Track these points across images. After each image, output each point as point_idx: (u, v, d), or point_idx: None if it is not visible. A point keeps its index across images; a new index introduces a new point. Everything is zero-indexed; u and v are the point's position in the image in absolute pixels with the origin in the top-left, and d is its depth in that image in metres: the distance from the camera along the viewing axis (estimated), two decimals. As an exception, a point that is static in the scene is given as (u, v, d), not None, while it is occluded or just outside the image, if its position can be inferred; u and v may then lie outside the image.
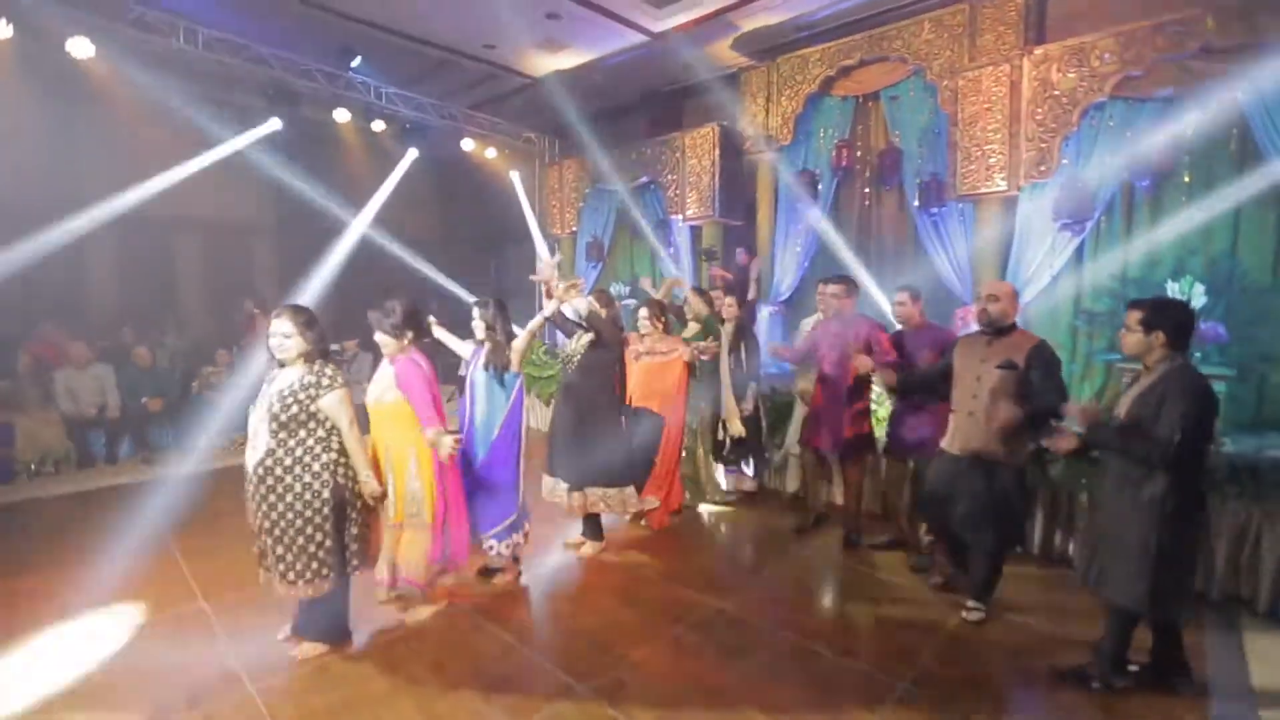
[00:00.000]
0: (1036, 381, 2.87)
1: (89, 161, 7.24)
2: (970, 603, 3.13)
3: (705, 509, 4.64)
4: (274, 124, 7.16)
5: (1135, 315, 2.45)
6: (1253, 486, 3.33)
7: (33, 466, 5.35)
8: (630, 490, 3.82)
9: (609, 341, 3.65)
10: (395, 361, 2.98)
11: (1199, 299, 4.47)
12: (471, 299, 3.49)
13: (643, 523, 4.24)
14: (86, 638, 2.90)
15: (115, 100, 6.34)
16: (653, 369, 4.13)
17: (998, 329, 3.03)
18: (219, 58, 6.23)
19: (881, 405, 4.51)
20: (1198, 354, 4.45)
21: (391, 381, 2.97)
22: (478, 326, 3.41)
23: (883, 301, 5.81)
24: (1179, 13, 4.43)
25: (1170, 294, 4.53)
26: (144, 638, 2.92)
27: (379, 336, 2.98)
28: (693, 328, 4.57)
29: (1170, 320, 2.40)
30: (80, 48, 5.39)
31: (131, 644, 2.87)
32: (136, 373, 6.05)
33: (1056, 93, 5.03)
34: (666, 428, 4.11)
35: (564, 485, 3.72)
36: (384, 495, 2.81)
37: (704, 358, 4.18)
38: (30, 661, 2.72)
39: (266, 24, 6.45)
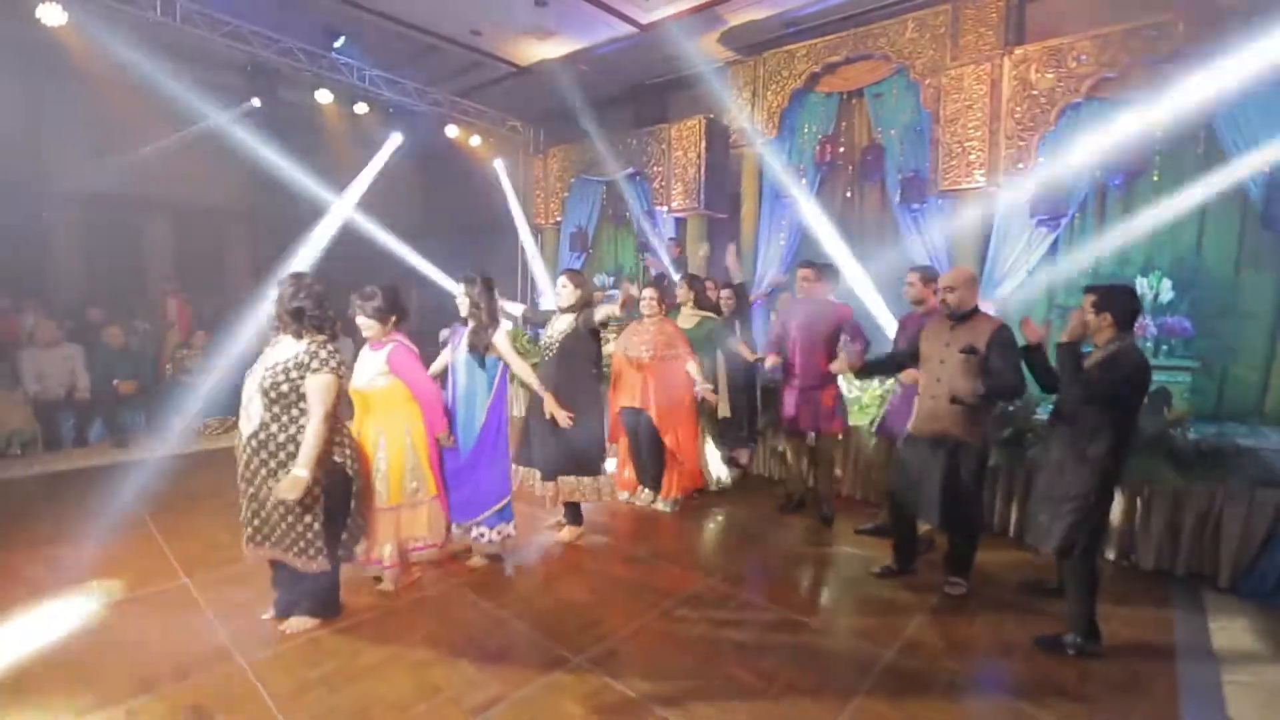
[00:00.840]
0: (995, 363, 2.97)
1: (55, 134, 6.99)
2: (952, 578, 3.23)
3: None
4: (253, 103, 7.00)
5: (1089, 299, 2.70)
6: (1216, 470, 3.49)
7: (-3, 448, 5.16)
8: (605, 479, 3.81)
9: (584, 330, 3.62)
10: (381, 345, 2.96)
11: (1166, 294, 4.66)
12: (455, 284, 3.43)
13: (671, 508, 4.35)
14: (66, 614, 2.82)
15: (86, 72, 6.15)
16: (662, 371, 4.13)
17: (959, 315, 3.13)
18: (198, 31, 6.07)
19: (865, 391, 4.62)
20: (1165, 346, 4.65)
21: (384, 366, 2.95)
22: (462, 304, 3.34)
23: (861, 291, 5.93)
24: (1153, 17, 4.61)
25: (1139, 289, 4.71)
26: (126, 613, 2.85)
27: (361, 320, 2.93)
28: (688, 316, 4.60)
29: (1118, 304, 2.64)
30: (51, 14, 5.21)
31: (113, 619, 2.80)
32: (108, 354, 5.88)
33: (1035, 92, 5.18)
34: (674, 424, 4.18)
35: (537, 474, 3.71)
36: (311, 487, 2.48)
37: (703, 395, 4.14)
38: (6, 636, 2.64)
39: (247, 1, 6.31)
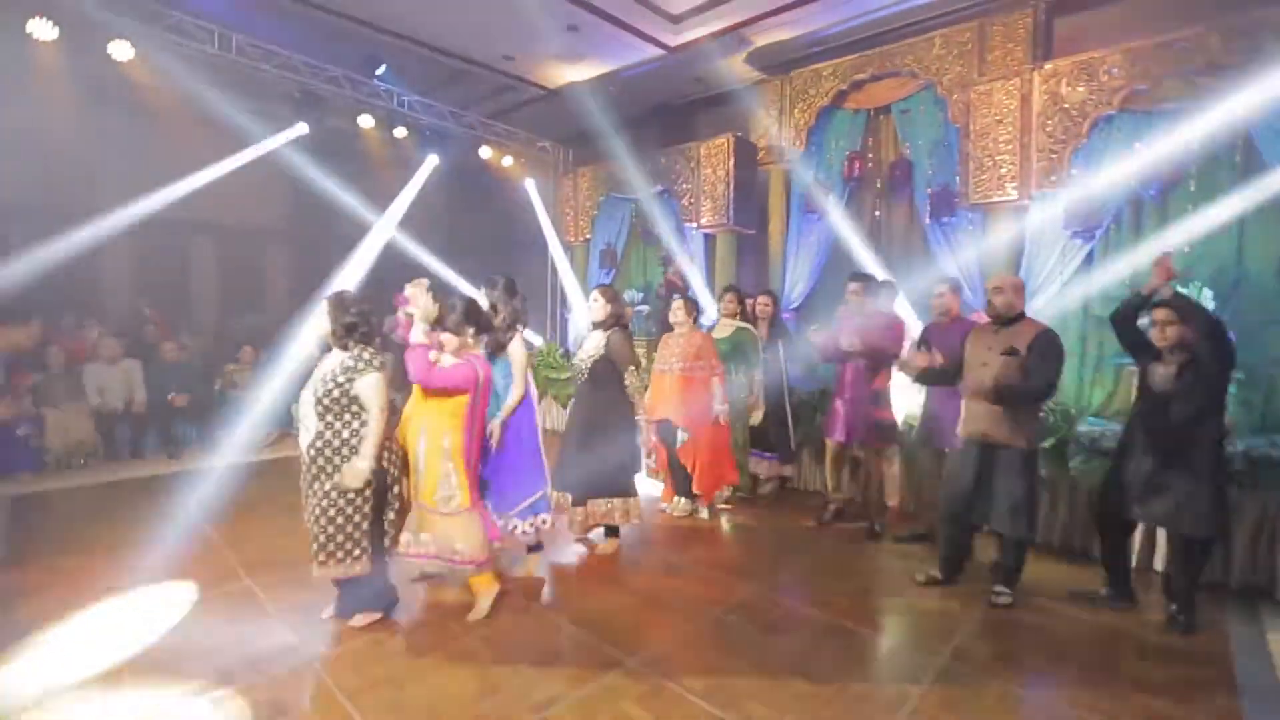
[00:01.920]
0: (1032, 362, 3.01)
1: (117, 163, 7.35)
2: (998, 587, 3.23)
3: (725, 504, 4.73)
4: (300, 128, 7.30)
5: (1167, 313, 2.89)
6: (1265, 483, 3.46)
7: (62, 458, 5.40)
8: (634, 500, 3.82)
9: (617, 357, 3.64)
10: (460, 358, 2.91)
11: (1208, 304, 4.62)
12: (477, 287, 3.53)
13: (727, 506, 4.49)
14: (139, 612, 2.96)
15: (144, 103, 6.49)
16: (690, 383, 4.21)
17: (1005, 319, 3.17)
18: (251, 63, 6.38)
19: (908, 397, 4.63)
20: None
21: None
22: (483, 305, 3.36)
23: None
24: (1185, 30, 4.64)
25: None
26: (197, 613, 2.99)
27: (445, 336, 2.93)
28: (725, 325, 4.68)
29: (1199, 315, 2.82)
30: (121, 51, 5.54)
31: (185, 618, 2.93)
32: (163, 368, 6.13)
33: (1066, 106, 5.22)
34: (699, 435, 4.23)
35: (569, 498, 3.71)
36: (369, 484, 2.70)
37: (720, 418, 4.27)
38: (88, 634, 2.78)
39: (297, 31, 6.63)
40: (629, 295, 8.38)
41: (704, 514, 4.43)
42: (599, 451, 3.63)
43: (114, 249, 7.89)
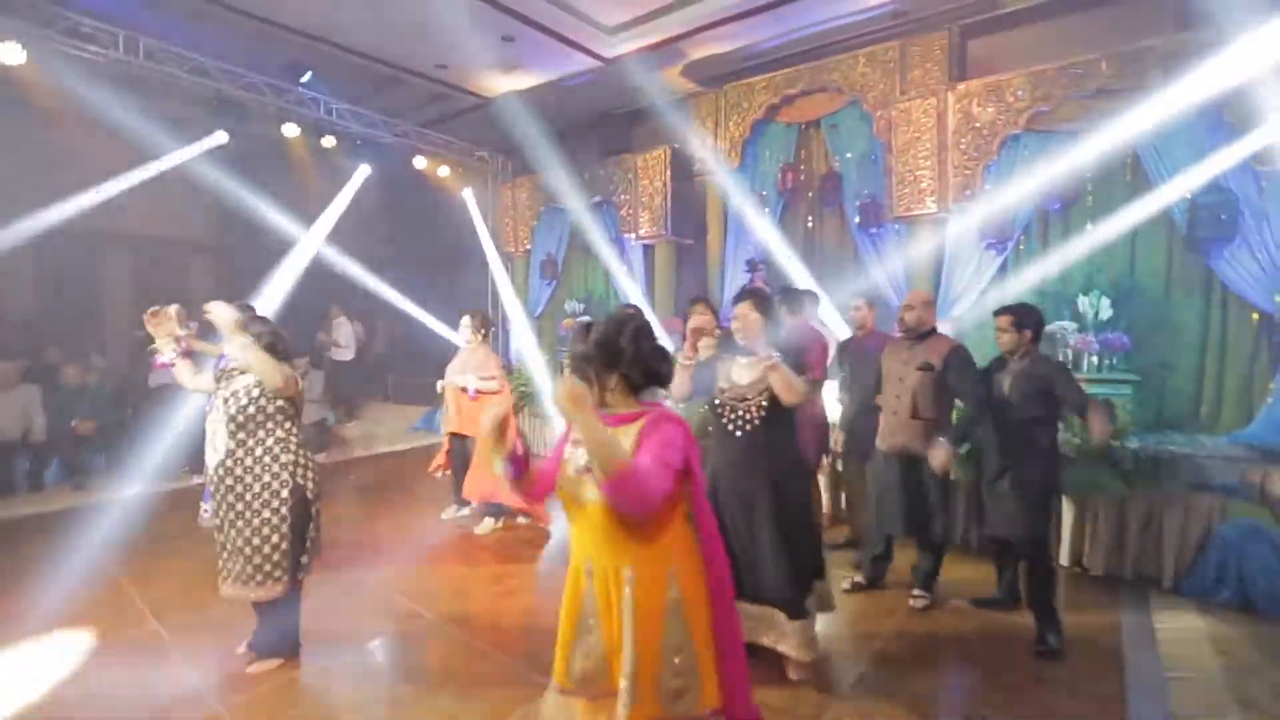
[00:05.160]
0: (953, 382, 3.17)
1: (14, 172, 6.85)
2: (916, 591, 3.37)
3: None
4: (220, 138, 6.98)
5: (1006, 319, 3.04)
6: (1155, 479, 3.73)
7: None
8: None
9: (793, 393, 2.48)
10: (630, 418, 1.63)
11: (1105, 311, 4.96)
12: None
13: None
14: (32, 664, 2.76)
15: (42, 109, 6.07)
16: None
17: (918, 334, 3.32)
18: (162, 68, 6.06)
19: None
20: (1108, 361, 4.93)
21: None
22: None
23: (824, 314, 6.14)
24: (1079, 56, 4.98)
25: (1081, 307, 5.01)
26: (97, 662, 2.80)
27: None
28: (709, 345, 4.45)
29: (1033, 321, 3.03)
30: (10, 54, 5.16)
31: (84, 668, 2.75)
32: (66, 393, 5.73)
33: (977, 125, 5.51)
34: None
35: (781, 615, 2.57)
36: (284, 501, 2.59)
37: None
38: (-32, 693, 2.57)
39: (212, 36, 6.33)
40: (570, 306, 8.35)
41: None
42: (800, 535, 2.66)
43: (11, 264, 7.38)
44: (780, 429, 2.59)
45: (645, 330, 1.66)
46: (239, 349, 2.51)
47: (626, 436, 1.57)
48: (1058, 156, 5.00)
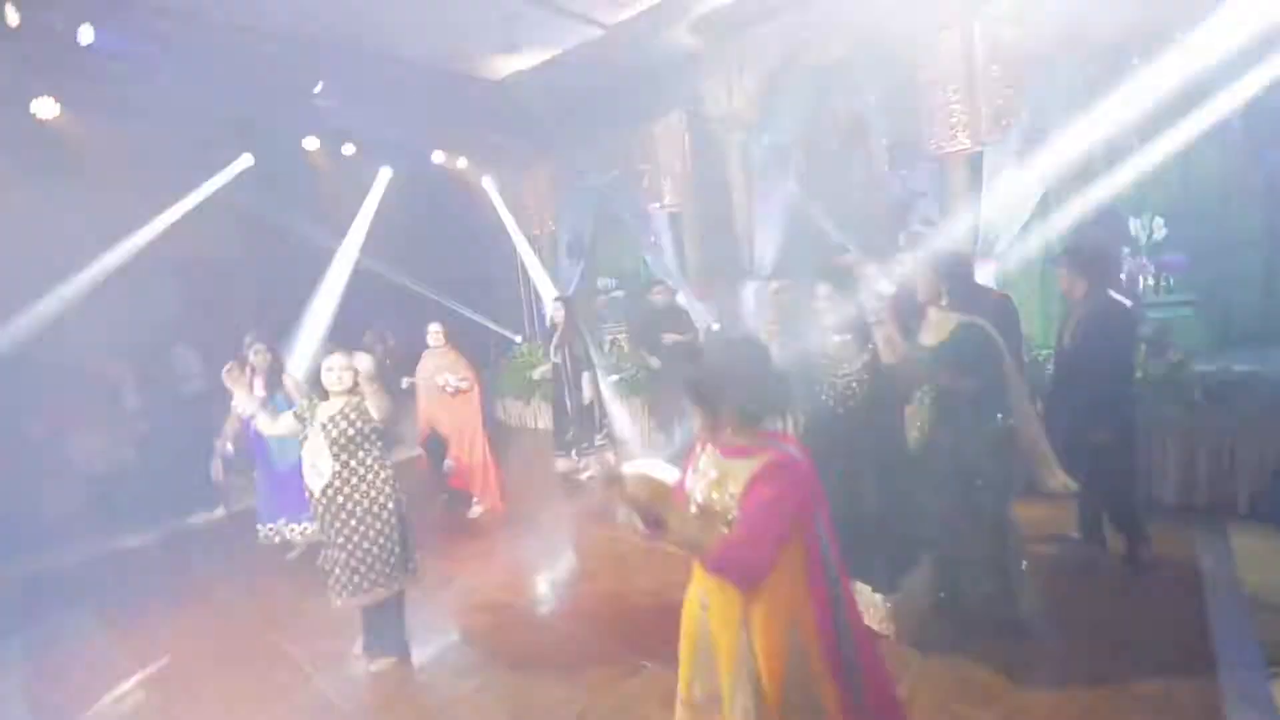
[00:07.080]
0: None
1: (69, 223, 7.09)
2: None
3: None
4: (246, 160, 7.13)
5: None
6: (1224, 402, 3.65)
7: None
8: None
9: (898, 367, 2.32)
10: (745, 452, 1.54)
11: (1160, 232, 4.77)
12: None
13: None
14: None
15: (85, 156, 6.28)
16: None
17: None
18: (183, 97, 6.18)
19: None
20: (1165, 283, 4.77)
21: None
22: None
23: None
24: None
25: (1133, 230, 4.83)
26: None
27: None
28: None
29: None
30: (45, 108, 5.34)
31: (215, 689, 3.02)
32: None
33: (1007, 52, 5.24)
34: None
35: (878, 595, 2.64)
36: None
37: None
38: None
39: (227, 60, 6.40)
40: (602, 283, 8.39)
41: None
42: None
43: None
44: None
45: (762, 357, 1.53)
46: (371, 395, 2.78)
47: (742, 473, 1.48)
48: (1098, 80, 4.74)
